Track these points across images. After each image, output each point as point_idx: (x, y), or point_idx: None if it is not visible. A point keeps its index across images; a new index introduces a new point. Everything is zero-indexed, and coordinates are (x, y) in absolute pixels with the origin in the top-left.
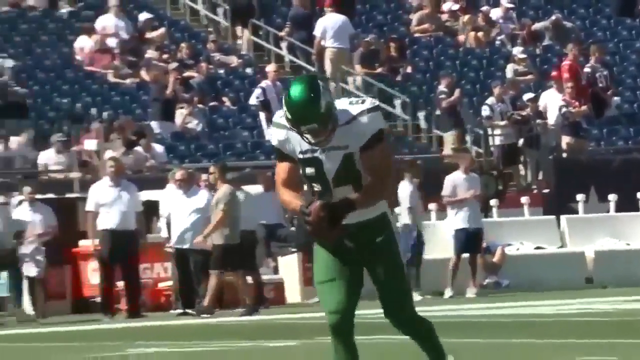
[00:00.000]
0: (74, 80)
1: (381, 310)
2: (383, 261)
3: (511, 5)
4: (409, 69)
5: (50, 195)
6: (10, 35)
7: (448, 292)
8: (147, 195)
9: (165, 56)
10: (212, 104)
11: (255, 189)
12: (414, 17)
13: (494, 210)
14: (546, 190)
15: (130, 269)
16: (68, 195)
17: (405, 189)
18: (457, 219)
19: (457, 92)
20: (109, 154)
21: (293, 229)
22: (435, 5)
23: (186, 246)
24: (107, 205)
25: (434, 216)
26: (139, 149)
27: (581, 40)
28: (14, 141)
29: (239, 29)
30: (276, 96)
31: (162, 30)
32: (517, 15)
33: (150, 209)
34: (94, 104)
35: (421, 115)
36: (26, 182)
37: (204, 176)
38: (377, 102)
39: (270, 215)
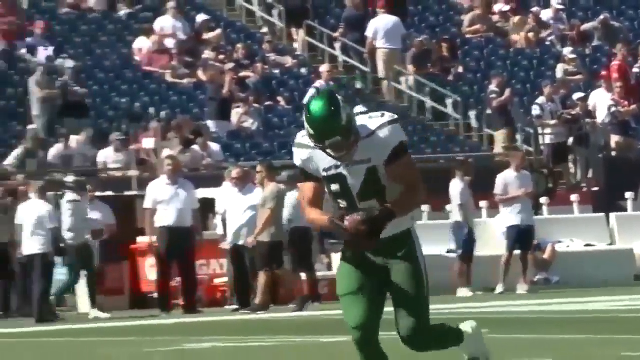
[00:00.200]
0: (133, 80)
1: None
2: (402, 274)
3: (561, 6)
4: (460, 69)
5: (109, 193)
6: (71, 36)
7: (499, 288)
8: (203, 193)
9: (221, 57)
10: (267, 103)
11: None
12: (466, 18)
13: (544, 208)
14: (595, 188)
15: (186, 265)
16: (126, 193)
17: (456, 186)
18: (509, 216)
19: (507, 92)
20: (166, 152)
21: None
22: (487, 6)
23: (241, 243)
24: (164, 202)
25: (485, 214)
26: (195, 147)
27: (630, 41)
28: (74, 140)
29: (293, 30)
30: None
31: (218, 31)
32: (567, 16)
33: (207, 207)
34: (152, 103)
35: (472, 114)
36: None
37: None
38: (396, 116)
39: None
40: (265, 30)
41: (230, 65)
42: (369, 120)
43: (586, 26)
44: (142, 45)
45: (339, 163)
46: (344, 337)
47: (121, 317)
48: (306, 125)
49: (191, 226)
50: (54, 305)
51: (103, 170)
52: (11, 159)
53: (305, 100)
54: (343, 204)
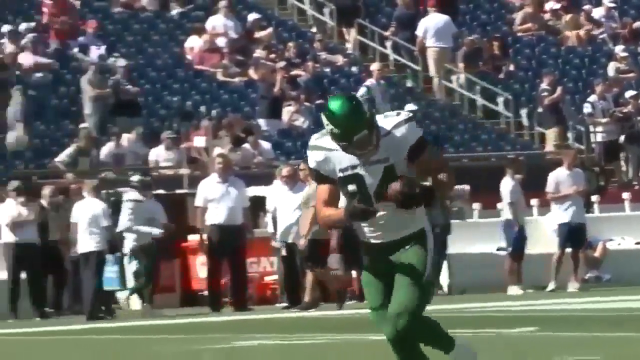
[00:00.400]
0: (184, 79)
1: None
2: (406, 258)
3: (613, 4)
4: (511, 67)
5: (160, 191)
6: (123, 35)
7: (551, 286)
8: (254, 191)
9: (272, 55)
10: (318, 101)
11: None
12: (517, 16)
13: (596, 205)
14: None
15: (237, 263)
16: (177, 191)
17: (507, 184)
18: (561, 214)
19: (559, 90)
20: (217, 150)
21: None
22: (538, 4)
23: (291, 241)
24: (215, 200)
25: (536, 212)
26: (246, 145)
27: None
28: (125, 138)
29: (344, 29)
30: (380, 95)
31: (270, 29)
32: (619, 14)
33: (257, 205)
34: (204, 102)
35: (523, 112)
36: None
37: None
38: (411, 114)
39: None
40: (316, 28)
41: (282, 63)
42: (385, 120)
43: (638, 24)
44: (193, 44)
45: (356, 163)
46: None
47: (172, 314)
48: (329, 126)
49: (242, 224)
50: (110, 302)
51: (154, 169)
52: (63, 157)
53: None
54: (359, 204)
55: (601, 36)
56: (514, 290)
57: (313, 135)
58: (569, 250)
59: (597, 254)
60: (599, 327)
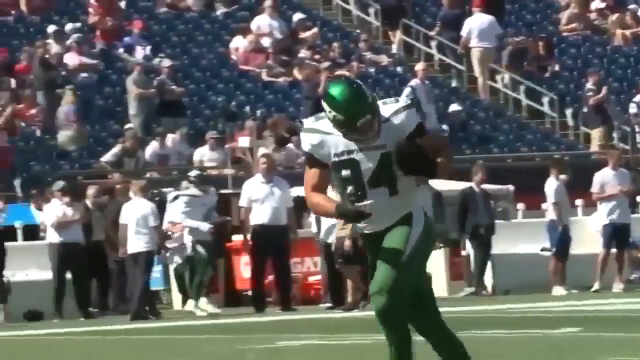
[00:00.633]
0: (229, 79)
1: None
2: (388, 236)
3: None
4: (556, 67)
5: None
6: (168, 35)
7: (595, 286)
8: (298, 191)
9: (317, 55)
10: None
11: None
12: (563, 16)
13: None
14: None
15: (281, 263)
16: (222, 191)
17: (551, 185)
18: (606, 214)
19: (604, 90)
20: (261, 150)
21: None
22: (584, 4)
23: (330, 241)
24: (259, 200)
25: (580, 212)
26: (291, 146)
27: None
28: (170, 138)
29: (389, 29)
30: (425, 95)
31: (314, 30)
32: None
33: (301, 205)
34: (248, 102)
35: (569, 112)
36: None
37: None
38: (410, 101)
39: None
40: (360, 29)
41: (326, 64)
42: (384, 106)
43: None
44: (238, 44)
45: (352, 148)
46: None
47: (216, 314)
48: (331, 113)
49: (286, 224)
50: (155, 302)
51: (198, 169)
52: (108, 158)
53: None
54: (351, 190)
55: None
56: (558, 290)
57: (308, 118)
58: (613, 250)
59: None
60: None
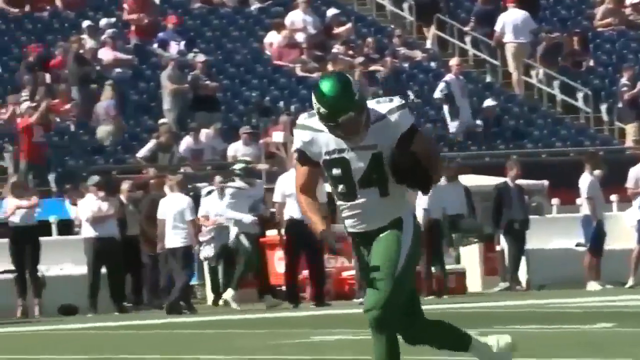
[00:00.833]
0: (263, 75)
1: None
2: (378, 242)
3: None
4: (591, 62)
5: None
6: (202, 30)
7: (630, 282)
8: None
9: (351, 51)
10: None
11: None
12: (598, 11)
13: None
14: None
15: (315, 258)
16: None
17: (585, 180)
18: None
19: (639, 85)
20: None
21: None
22: None
23: None
24: (293, 196)
25: (615, 207)
26: None
27: None
28: (204, 133)
29: (423, 24)
30: (459, 90)
31: (348, 25)
32: None
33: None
34: (282, 97)
35: (603, 107)
36: (216, 173)
37: None
38: (404, 100)
39: (452, 206)
40: (394, 24)
41: (360, 59)
42: (377, 105)
43: None
44: (272, 39)
45: (343, 147)
46: (471, 330)
47: (250, 309)
48: (317, 105)
49: None
50: (190, 297)
51: (232, 164)
52: (143, 153)
53: (435, 94)
54: (342, 189)
55: None
56: (593, 286)
57: (302, 114)
58: None
59: None
60: None
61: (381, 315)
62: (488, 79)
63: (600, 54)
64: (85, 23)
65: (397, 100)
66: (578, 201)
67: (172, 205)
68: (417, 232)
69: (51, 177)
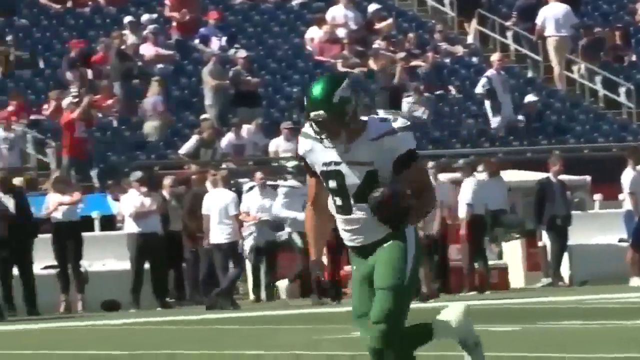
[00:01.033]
0: (304, 70)
1: None
2: (380, 264)
3: None
4: (634, 57)
5: (280, 182)
6: (244, 26)
7: None
8: None
9: (392, 46)
10: (438, 92)
11: (480, 175)
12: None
13: None
14: None
15: None
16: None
17: (628, 175)
18: None
19: None
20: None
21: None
22: None
23: None
24: None
25: None
26: None
27: None
28: (245, 129)
29: (465, 19)
30: (501, 85)
31: (389, 20)
32: None
33: None
34: None
35: None
36: (257, 168)
37: (429, 163)
38: (409, 122)
39: (494, 201)
40: (436, 19)
41: (401, 54)
42: (380, 123)
43: None
44: (314, 34)
45: (339, 159)
46: (515, 326)
47: (293, 305)
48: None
49: None
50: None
51: (274, 159)
52: (186, 148)
53: (476, 89)
54: (339, 202)
55: None
56: (636, 281)
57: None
58: None
59: None
60: None
61: (387, 329)
62: (530, 74)
63: None
64: (127, 19)
65: (400, 122)
66: (620, 196)
67: (216, 201)
68: (417, 241)
69: (93, 173)
